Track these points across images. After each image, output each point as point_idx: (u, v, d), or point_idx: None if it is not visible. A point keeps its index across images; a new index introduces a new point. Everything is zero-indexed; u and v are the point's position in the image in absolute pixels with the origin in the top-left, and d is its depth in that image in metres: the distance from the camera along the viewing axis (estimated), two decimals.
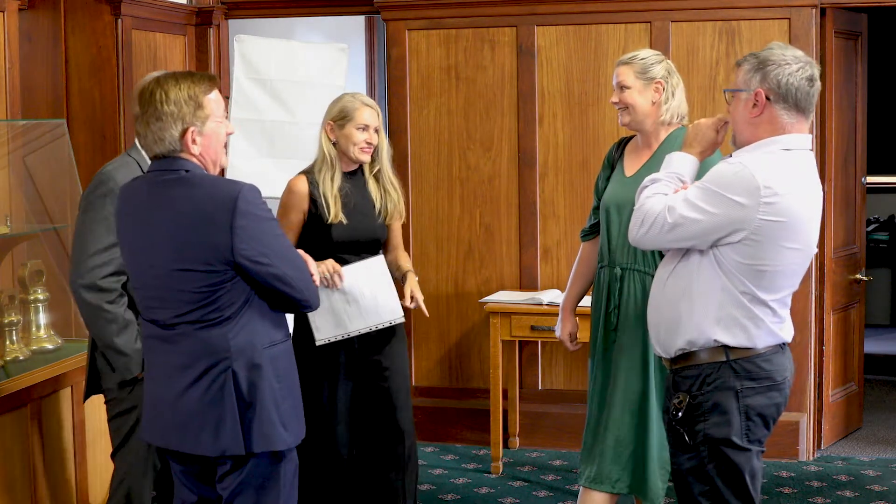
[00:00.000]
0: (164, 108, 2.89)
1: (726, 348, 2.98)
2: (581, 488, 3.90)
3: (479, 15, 5.77)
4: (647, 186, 3.08)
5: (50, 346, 4.44)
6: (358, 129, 4.06)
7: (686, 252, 3.03)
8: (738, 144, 3.04)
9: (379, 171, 4.17)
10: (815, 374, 5.64)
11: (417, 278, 4.22)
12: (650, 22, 5.57)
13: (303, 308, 3.04)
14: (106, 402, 3.67)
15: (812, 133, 5.36)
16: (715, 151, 3.20)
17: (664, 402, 3.16)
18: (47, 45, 5.33)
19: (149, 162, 3.05)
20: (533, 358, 5.84)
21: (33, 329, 4.44)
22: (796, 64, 2.94)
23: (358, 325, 4.02)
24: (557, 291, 5.46)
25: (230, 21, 6.18)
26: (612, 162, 4.03)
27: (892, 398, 6.87)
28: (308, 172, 4.13)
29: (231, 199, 2.84)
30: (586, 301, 4.23)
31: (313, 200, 4.07)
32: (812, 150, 3.06)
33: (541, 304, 5.34)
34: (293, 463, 3.06)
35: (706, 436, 2.99)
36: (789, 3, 5.42)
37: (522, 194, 5.78)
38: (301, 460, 4.18)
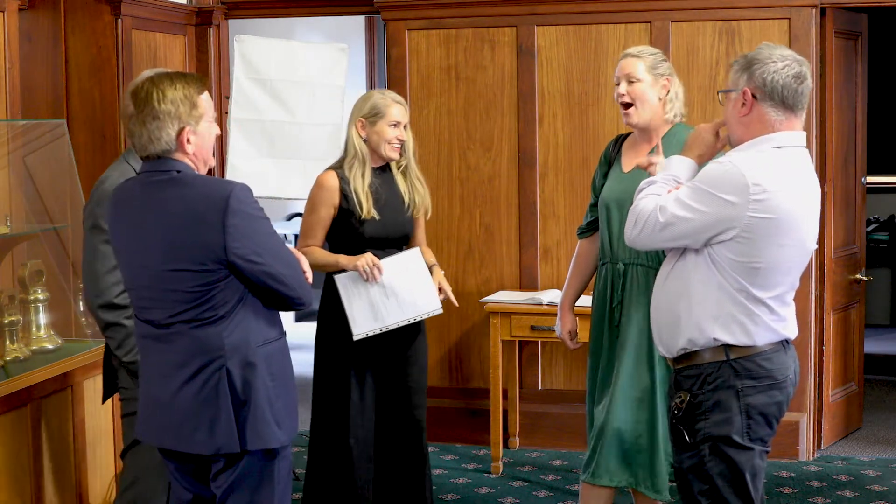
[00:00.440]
0: (161, 106, 2.90)
1: (727, 348, 2.99)
2: (582, 483, 3.91)
3: (479, 15, 5.77)
4: (643, 188, 3.11)
5: (50, 346, 4.44)
6: (389, 125, 4.11)
7: (683, 252, 3.05)
8: (732, 144, 3.09)
9: (406, 166, 4.22)
10: (815, 374, 5.64)
11: (443, 272, 4.28)
12: (650, 22, 5.57)
13: (296, 307, 3.05)
14: (121, 400, 3.75)
15: (807, 131, 5.36)
16: (715, 154, 3.21)
17: (668, 400, 3.17)
18: (47, 45, 5.33)
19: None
20: (533, 358, 5.84)
21: (33, 329, 4.44)
22: (782, 62, 2.98)
23: (396, 317, 4.06)
24: (557, 291, 5.45)
25: (230, 21, 6.18)
26: (610, 159, 4.02)
27: (892, 398, 6.87)
28: (337, 168, 4.17)
29: (223, 198, 2.85)
30: (584, 300, 4.24)
31: (344, 196, 4.11)
32: (806, 146, 3.08)
33: (541, 304, 5.34)
34: (287, 460, 3.07)
35: (707, 434, 3.00)
36: (789, 3, 5.42)
37: (522, 194, 5.78)
38: (324, 451, 4.20)
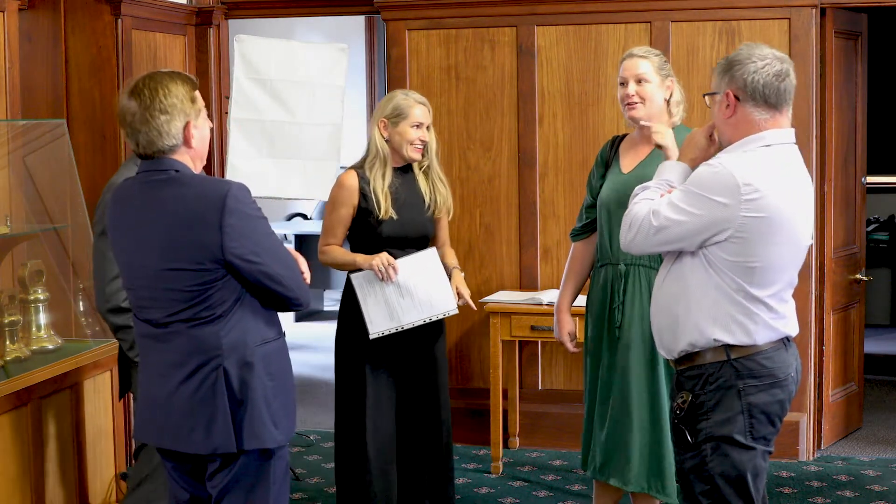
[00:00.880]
0: (168, 100, 2.92)
1: (728, 348, 2.99)
2: (594, 481, 3.96)
3: (479, 15, 5.77)
4: (637, 193, 3.13)
5: (50, 346, 4.45)
6: (412, 126, 4.14)
7: (679, 254, 3.06)
8: (722, 146, 3.09)
9: (428, 166, 4.24)
10: (815, 374, 5.64)
11: (463, 274, 4.29)
12: (650, 22, 5.57)
13: (294, 307, 3.05)
14: (134, 398, 3.76)
15: (807, 131, 5.37)
16: (708, 157, 3.20)
17: (670, 402, 3.17)
18: (47, 45, 5.33)
19: None
20: (533, 358, 5.84)
21: (33, 329, 4.44)
22: (761, 61, 2.98)
23: (412, 317, 4.08)
24: (557, 291, 5.45)
25: (230, 21, 6.18)
26: (607, 160, 4.02)
27: (892, 398, 6.87)
28: (358, 168, 4.19)
29: (220, 197, 2.86)
30: (580, 301, 4.23)
31: (364, 195, 4.14)
32: (797, 143, 3.08)
33: (541, 304, 5.34)
34: (284, 461, 3.06)
35: (709, 434, 3.00)
36: (789, 3, 5.42)
37: (522, 194, 5.78)
38: (346, 451, 4.22)
